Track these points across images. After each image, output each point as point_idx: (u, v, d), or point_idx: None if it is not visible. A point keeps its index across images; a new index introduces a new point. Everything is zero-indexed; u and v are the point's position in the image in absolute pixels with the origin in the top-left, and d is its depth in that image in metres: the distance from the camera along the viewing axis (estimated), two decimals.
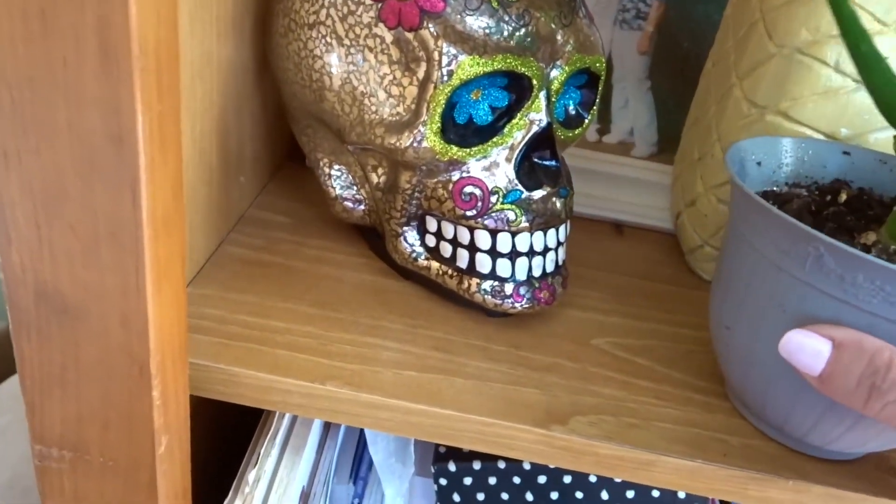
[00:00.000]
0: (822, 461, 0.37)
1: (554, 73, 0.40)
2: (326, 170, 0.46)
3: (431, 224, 0.43)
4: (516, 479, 0.49)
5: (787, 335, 0.32)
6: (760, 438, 0.39)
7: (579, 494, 0.49)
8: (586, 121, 0.45)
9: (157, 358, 0.29)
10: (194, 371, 0.36)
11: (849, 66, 0.42)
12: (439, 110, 0.38)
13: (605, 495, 0.49)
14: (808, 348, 0.31)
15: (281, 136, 0.56)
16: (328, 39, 0.40)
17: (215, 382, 0.37)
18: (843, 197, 0.39)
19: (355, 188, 0.45)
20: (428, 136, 0.38)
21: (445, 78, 0.37)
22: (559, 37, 0.40)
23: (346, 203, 0.46)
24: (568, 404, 0.39)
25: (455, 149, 0.39)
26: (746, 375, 0.37)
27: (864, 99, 0.43)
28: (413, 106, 0.38)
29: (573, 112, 0.45)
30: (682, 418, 0.39)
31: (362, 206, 0.46)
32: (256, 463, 0.39)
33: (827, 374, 0.30)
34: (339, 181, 0.46)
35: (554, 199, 0.42)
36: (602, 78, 0.44)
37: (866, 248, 0.34)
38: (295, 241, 0.49)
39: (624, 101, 0.61)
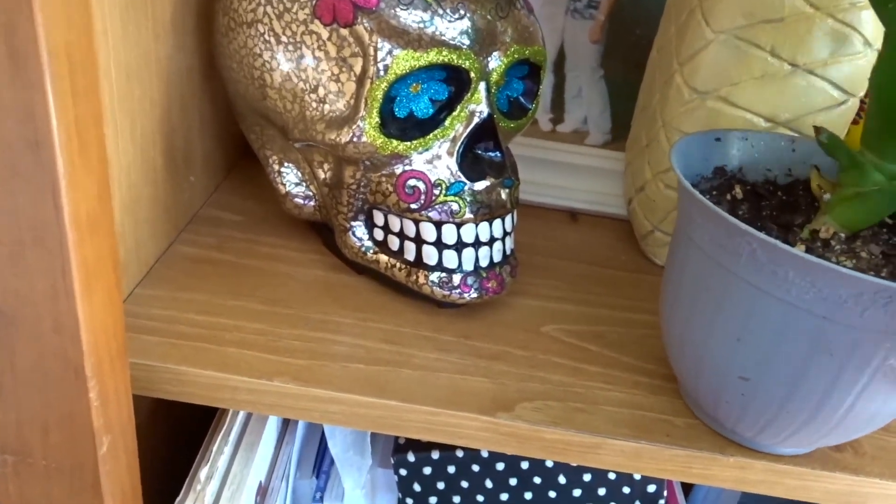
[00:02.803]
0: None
1: (493, 64, 0.41)
2: (276, 167, 0.46)
3: (379, 218, 0.43)
4: (475, 467, 0.50)
5: None
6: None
7: (537, 480, 0.50)
8: (530, 111, 0.45)
9: (91, 360, 0.29)
10: (140, 371, 0.37)
11: (784, 50, 0.43)
12: (377, 105, 0.38)
13: (562, 479, 0.50)
14: None
15: (234, 134, 0.56)
16: (266, 37, 0.40)
17: (162, 382, 0.37)
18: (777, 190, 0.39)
19: (305, 185, 0.46)
20: (367, 131, 0.39)
21: (381, 73, 0.37)
22: (496, 28, 0.40)
23: (296, 200, 0.46)
24: (515, 391, 0.39)
25: (396, 142, 0.40)
26: (698, 378, 0.37)
27: (801, 82, 0.44)
28: (352, 101, 0.38)
29: (516, 102, 0.45)
30: (629, 401, 0.40)
31: (313, 203, 0.46)
32: (208, 461, 0.39)
33: None
34: (288, 178, 0.46)
35: (498, 189, 0.42)
36: (544, 68, 0.45)
37: (809, 241, 0.34)
38: (248, 238, 0.49)
39: (577, 91, 0.61)
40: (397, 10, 0.37)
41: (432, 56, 0.37)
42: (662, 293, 0.38)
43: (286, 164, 0.45)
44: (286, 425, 0.49)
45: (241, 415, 0.43)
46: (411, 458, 0.49)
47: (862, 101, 0.47)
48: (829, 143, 0.34)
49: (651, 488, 0.50)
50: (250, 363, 0.38)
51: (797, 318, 0.31)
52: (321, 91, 0.39)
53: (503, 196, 0.42)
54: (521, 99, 0.45)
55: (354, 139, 0.39)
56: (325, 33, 0.38)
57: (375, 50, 0.37)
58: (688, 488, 0.66)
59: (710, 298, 0.34)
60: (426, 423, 0.38)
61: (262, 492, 0.44)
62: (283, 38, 0.39)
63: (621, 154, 0.60)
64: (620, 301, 0.49)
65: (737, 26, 0.43)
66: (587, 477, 0.49)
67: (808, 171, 0.41)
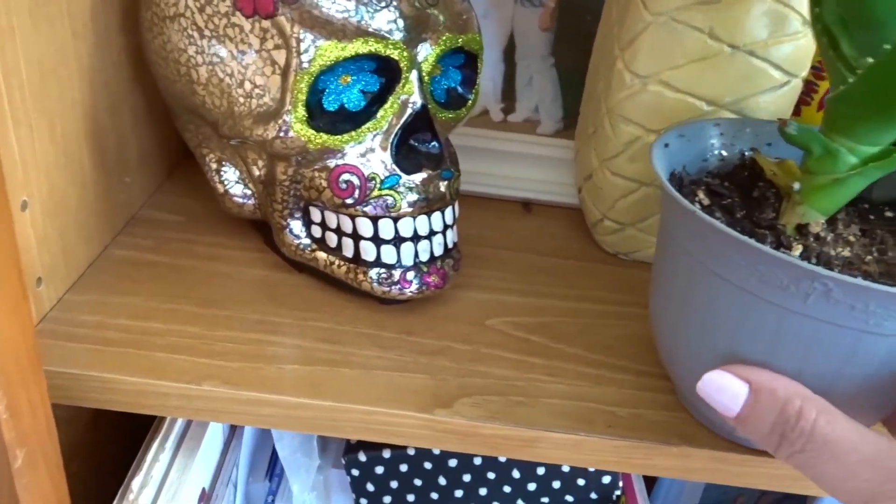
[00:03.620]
0: (705, 427, 0.38)
1: (424, 53, 0.40)
2: (213, 165, 0.45)
3: (315, 214, 0.42)
4: (428, 465, 0.49)
5: (706, 376, 0.31)
6: (648, 408, 0.39)
7: (491, 475, 0.49)
8: (469, 100, 0.45)
9: None
10: (63, 380, 0.35)
11: (723, 31, 0.43)
12: (303, 98, 0.37)
13: (516, 474, 0.49)
14: (727, 390, 0.30)
15: (177, 132, 0.55)
16: (190, 31, 0.38)
17: (88, 390, 0.36)
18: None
19: (243, 183, 0.45)
20: (294, 125, 0.38)
21: (305, 65, 0.36)
22: (427, 17, 0.39)
23: (235, 199, 0.45)
24: (455, 387, 0.39)
25: (325, 136, 0.39)
26: (695, 378, 0.36)
27: (742, 63, 0.43)
28: (278, 95, 0.37)
29: (454, 92, 0.44)
30: (571, 393, 0.39)
31: (252, 201, 0.45)
32: (143, 469, 0.38)
33: (743, 416, 0.30)
34: (226, 176, 0.45)
35: (437, 181, 0.41)
36: (480, 56, 0.44)
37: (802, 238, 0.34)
38: (187, 239, 0.48)
39: (528, 79, 0.60)
40: None
41: (357, 46, 0.37)
42: (661, 306, 0.37)
43: (224, 162, 0.44)
44: (233, 429, 0.48)
45: (181, 420, 0.42)
46: (363, 457, 0.49)
47: (809, 82, 0.46)
48: (800, 134, 0.34)
49: (606, 479, 0.49)
50: (180, 368, 0.37)
51: (774, 314, 0.30)
52: (248, 85, 0.38)
53: (442, 188, 0.42)
54: (460, 88, 0.44)
55: (281, 134, 0.38)
56: (247, 25, 0.37)
57: (298, 41, 0.36)
58: (653, 480, 0.65)
59: (693, 297, 0.33)
60: (362, 423, 0.37)
61: (206, 498, 0.43)
62: (206, 32, 0.38)
63: (572, 142, 0.60)
64: (569, 291, 0.48)
65: (674, 8, 0.42)
66: (541, 471, 0.49)
67: (737, 153, 0.40)
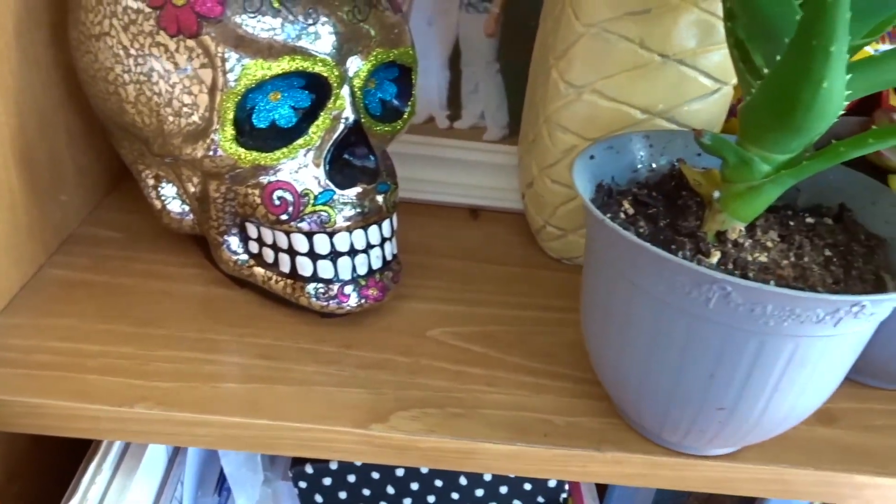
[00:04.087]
0: (639, 433, 0.38)
1: (354, 68, 0.40)
2: (150, 181, 0.44)
3: (252, 230, 0.42)
4: (375, 475, 0.49)
5: None
6: (584, 415, 0.40)
7: (439, 483, 0.49)
8: (405, 113, 0.45)
9: None
10: None
11: (653, 41, 0.43)
12: (230, 116, 0.37)
13: (463, 481, 0.49)
14: None
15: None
16: (116, 50, 0.38)
17: (17, 416, 0.36)
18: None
19: (181, 199, 0.44)
20: (222, 144, 0.37)
21: (231, 83, 0.36)
22: (356, 32, 0.39)
23: (173, 214, 0.45)
24: (393, 401, 0.39)
25: (256, 153, 0.38)
26: (619, 386, 0.37)
27: (672, 71, 0.44)
28: (206, 114, 0.37)
29: (390, 105, 0.44)
30: (510, 403, 0.40)
31: (190, 217, 0.45)
32: (78, 492, 0.38)
33: None
34: (164, 192, 0.44)
35: (373, 195, 0.41)
36: (414, 69, 0.44)
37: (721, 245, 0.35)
38: (125, 256, 0.47)
39: (473, 86, 0.61)
40: (244, 17, 0.36)
41: (284, 64, 0.36)
42: (588, 315, 0.38)
43: (161, 178, 0.44)
44: (177, 447, 0.47)
45: (119, 442, 0.42)
46: (309, 469, 0.49)
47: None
48: (714, 144, 0.35)
49: (552, 483, 0.50)
50: (112, 390, 0.37)
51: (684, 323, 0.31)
52: (175, 104, 0.38)
53: (379, 201, 0.42)
54: (395, 101, 0.44)
55: (210, 153, 0.38)
56: (172, 45, 0.37)
57: (223, 60, 0.36)
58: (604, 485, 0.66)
59: (638, 327, 0.33)
60: (299, 441, 0.37)
61: None
62: (132, 51, 0.38)
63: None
64: (512, 298, 0.49)
65: (605, 19, 0.43)
66: (488, 477, 0.49)
67: (667, 164, 0.41)
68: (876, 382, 0.44)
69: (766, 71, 0.33)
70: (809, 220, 0.38)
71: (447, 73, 0.60)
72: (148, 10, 0.37)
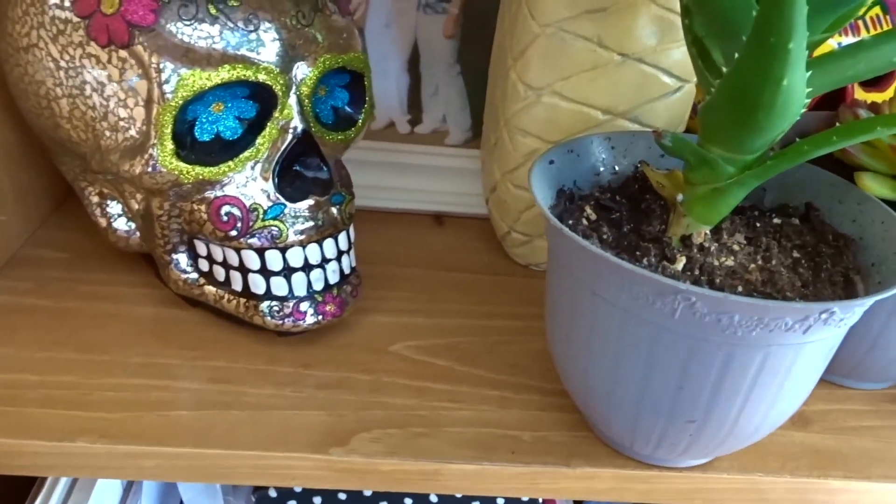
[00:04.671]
0: (609, 446, 0.37)
1: (301, 76, 0.38)
2: (94, 199, 0.42)
3: (201, 247, 0.40)
4: (342, 496, 0.47)
5: None
6: (552, 429, 0.38)
7: (408, 501, 0.48)
8: (359, 121, 0.43)
9: None
10: None
11: (612, 40, 0.42)
12: (168, 130, 0.35)
13: (434, 498, 0.48)
14: None
15: None
16: (45, 63, 0.36)
17: None
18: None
19: (126, 216, 0.42)
20: (161, 159, 0.35)
21: (168, 95, 0.34)
22: (302, 37, 0.38)
23: (119, 232, 0.42)
24: (353, 422, 0.37)
25: (199, 168, 0.37)
26: (588, 399, 0.36)
27: (632, 71, 0.43)
28: (143, 128, 0.35)
29: (343, 113, 0.43)
30: (475, 419, 0.38)
31: (137, 234, 0.43)
32: None
33: None
34: (109, 209, 0.42)
35: (327, 207, 0.40)
36: (366, 75, 0.42)
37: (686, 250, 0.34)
38: (71, 278, 0.45)
39: (434, 89, 0.59)
40: (179, 26, 0.34)
41: (224, 74, 0.35)
42: (553, 326, 0.36)
43: (105, 195, 0.42)
44: None
45: (65, 480, 0.40)
46: (273, 493, 0.47)
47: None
48: (675, 145, 0.33)
49: (525, 497, 0.48)
50: (52, 423, 0.34)
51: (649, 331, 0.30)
52: (111, 118, 0.36)
53: (334, 213, 0.40)
54: (348, 108, 0.43)
55: (149, 169, 0.36)
56: (104, 56, 0.35)
57: (158, 71, 0.34)
58: None
59: (603, 338, 0.32)
60: (254, 469, 0.35)
61: None
62: (63, 63, 0.36)
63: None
64: (477, 308, 0.47)
65: (562, 18, 0.42)
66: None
67: (630, 166, 0.40)
68: (848, 382, 0.43)
69: (725, 69, 0.31)
70: (776, 220, 0.37)
71: (407, 77, 0.58)
72: (76, 19, 0.34)
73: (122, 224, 0.42)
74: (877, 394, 0.44)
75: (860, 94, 0.52)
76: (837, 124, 0.42)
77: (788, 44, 0.25)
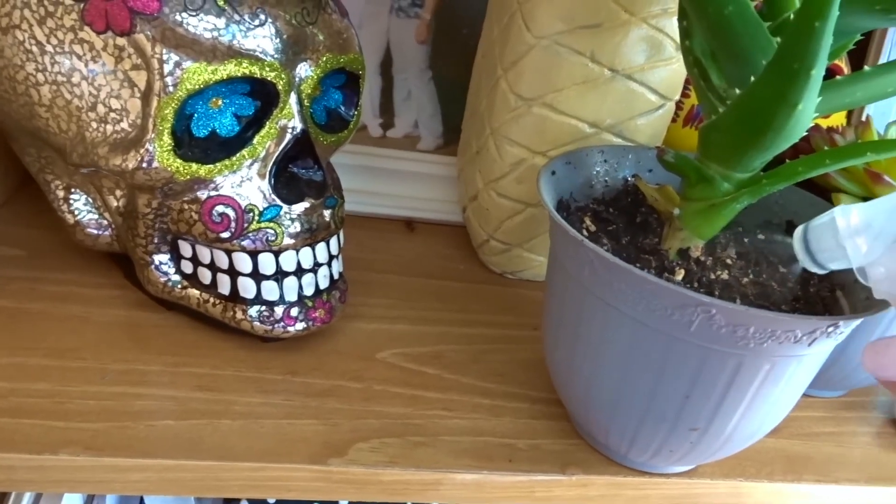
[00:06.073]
0: (601, 454, 0.38)
1: (304, 74, 0.37)
2: (60, 193, 0.40)
3: (186, 249, 0.38)
4: None
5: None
6: (545, 437, 0.39)
7: None
8: (351, 122, 0.42)
9: None
10: None
11: (604, 55, 0.43)
12: (168, 125, 0.33)
13: None
14: None
15: (12, 152, 0.48)
16: (28, 46, 0.33)
17: None
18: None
19: (97, 212, 0.40)
20: (158, 155, 0.34)
21: (170, 88, 0.32)
22: (305, 35, 0.37)
23: (88, 230, 0.40)
24: (349, 431, 0.36)
25: (196, 166, 0.35)
26: (588, 408, 0.36)
27: (621, 87, 0.44)
28: (138, 121, 0.33)
29: (335, 114, 0.42)
30: (470, 427, 0.38)
31: (108, 232, 0.40)
32: None
33: None
34: (77, 205, 0.40)
35: (320, 210, 0.39)
36: (362, 76, 0.41)
37: (654, 251, 0.35)
38: (31, 277, 0.42)
39: (406, 93, 0.59)
40: (185, 15, 0.32)
41: (230, 68, 0.33)
42: (554, 336, 0.36)
43: (73, 189, 0.39)
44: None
45: (29, 493, 0.37)
46: None
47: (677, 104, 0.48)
48: (677, 163, 0.34)
49: None
50: (29, 435, 0.32)
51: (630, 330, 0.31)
52: (101, 109, 0.34)
53: (326, 217, 0.39)
54: (341, 109, 0.42)
55: (144, 165, 0.34)
56: (98, 42, 0.33)
57: (161, 62, 0.32)
58: None
59: (613, 349, 0.33)
60: (250, 481, 0.34)
61: None
62: (49, 48, 0.33)
63: (454, 158, 0.59)
64: (459, 315, 0.47)
65: (557, 31, 0.42)
66: None
67: (620, 179, 0.41)
68: (813, 391, 0.46)
69: (727, 91, 0.33)
70: (761, 235, 0.39)
71: (379, 80, 0.58)
72: (69, 1, 0.32)
73: (91, 221, 0.40)
74: (835, 401, 0.46)
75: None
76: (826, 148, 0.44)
77: (811, 70, 0.27)
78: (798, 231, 0.29)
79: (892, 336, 0.25)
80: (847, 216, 0.28)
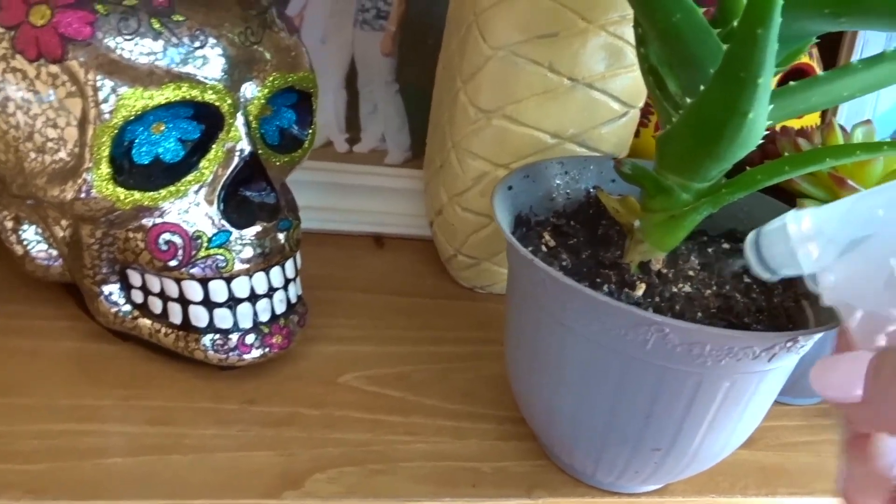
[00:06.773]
0: (568, 474, 0.37)
1: (250, 95, 0.36)
2: (9, 224, 0.38)
3: (135, 278, 0.37)
4: None
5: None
6: (511, 459, 0.38)
7: None
8: (305, 142, 0.41)
9: None
10: None
11: (563, 65, 0.42)
12: (105, 153, 0.32)
13: None
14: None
15: None
16: None
17: None
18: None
19: (47, 243, 0.39)
20: (97, 185, 0.33)
21: (106, 116, 0.31)
22: (250, 55, 0.36)
23: (38, 261, 0.39)
24: (307, 461, 0.35)
25: (138, 194, 0.34)
26: (550, 428, 0.35)
27: (581, 96, 0.43)
28: (76, 150, 0.32)
29: (289, 134, 0.41)
30: (432, 452, 0.37)
31: (59, 262, 0.39)
32: None
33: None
34: (26, 235, 0.38)
35: (274, 233, 0.38)
36: (315, 94, 0.40)
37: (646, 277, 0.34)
38: None
39: (372, 107, 0.58)
40: (119, 40, 0.31)
41: (168, 93, 0.32)
42: (514, 355, 0.36)
43: (22, 220, 0.38)
44: None
45: None
46: None
47: (646, 104, 0.47)
48: (634, 173, 0.33)
49: None
50: None
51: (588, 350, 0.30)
52: (38, 139, 0.33)
53: (280, 240, 0.38)
54: (294, 129, 0.41)
55: (82, 195, 0.33)
56: (31, 71, 0.32)
57: (95, 89, 0.31)
58: None
59: (569, 369, 0.32)
60: None
61: None
62: None
63: (423, 172, 0.58)
64: (425, 333, 0.46)
65: (513, 42, 0.42)
66: None
67: (582, 190, 0.40)
68: (784, 398, 0.45)
69: (682, 99, 0.32)
70: (725, 245, 0.38)
71: (344, 94, 0.57)
72: (0, 30, 0.31)
73: (41, 252, 0.39)
74: (810, 409, 0.45)
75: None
76: (786, 154, 0.43)
77: (758, 79, 0.26)
78: (750, 236, 0.29)
79: (839, 354, 0.24)
80: (799, 222, 0.27)
